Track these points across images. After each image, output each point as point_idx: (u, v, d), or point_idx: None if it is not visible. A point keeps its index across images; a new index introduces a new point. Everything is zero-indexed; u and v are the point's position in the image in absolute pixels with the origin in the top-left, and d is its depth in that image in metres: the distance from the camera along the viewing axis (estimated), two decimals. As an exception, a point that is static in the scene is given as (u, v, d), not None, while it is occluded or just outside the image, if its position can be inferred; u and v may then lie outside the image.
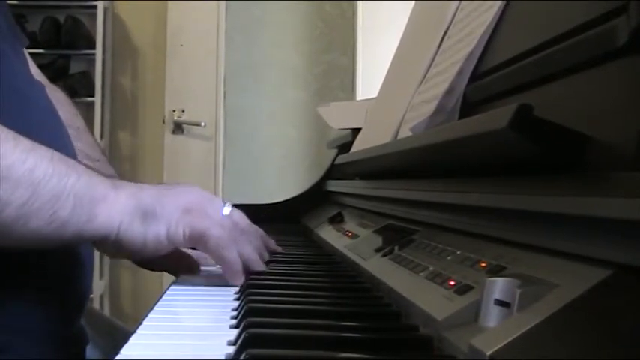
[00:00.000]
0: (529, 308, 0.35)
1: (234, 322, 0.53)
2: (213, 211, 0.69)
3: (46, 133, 0.59)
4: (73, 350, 0.74)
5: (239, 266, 0.68)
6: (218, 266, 0.71)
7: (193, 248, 0.72)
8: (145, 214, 0.63)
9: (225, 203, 0.72)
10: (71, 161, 0.61)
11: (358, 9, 2.84)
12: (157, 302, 0.62)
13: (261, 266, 0.72)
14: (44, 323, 0.66)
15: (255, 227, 0.79)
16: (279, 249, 0.85)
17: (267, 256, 0.78)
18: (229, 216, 0.72)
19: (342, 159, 1.14)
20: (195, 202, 0.68)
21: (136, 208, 0.63)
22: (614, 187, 0.34)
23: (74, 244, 0.68)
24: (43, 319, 0.66)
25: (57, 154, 0.59)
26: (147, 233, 0.63)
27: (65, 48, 2.86)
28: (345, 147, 1.29)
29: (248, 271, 0.70)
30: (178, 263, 0.77)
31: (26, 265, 0.65)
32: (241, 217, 0.75)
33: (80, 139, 0.90)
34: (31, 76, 0.76)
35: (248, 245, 0.72)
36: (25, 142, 0.57)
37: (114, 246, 0.63)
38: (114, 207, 0.62)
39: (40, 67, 0.94)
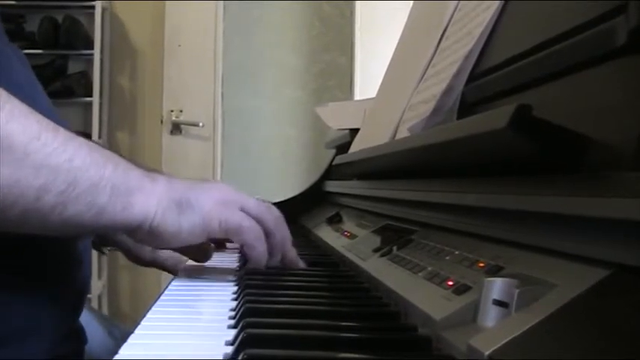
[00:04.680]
0: (527, 308, 0.35)
1: (232, 322, 0.53)
2: (245, 202, 0.71)
3: None
4: (71, 348, 0.74)
5: (265, 258, 0.71)
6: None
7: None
8: (179, 204, 0.65)
9: (254, 197, 0.73)
10: (107, 152, 0.62)
11: (356, 9, 2.84)
12: (155, 302, 0.62)
13: (295, 257, 0.75)
14: (42, 320, 0.66)
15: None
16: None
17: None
18: (262, 204, 0.73)
19: (341, 159, 1.14)
20: (226, 195, 0.70)
21: (172, 198, 0.65)
22: (613, 187, 0.34)
23: (109, 232, 0.69)
24: (41, 316, 0.66)
25: (93, 145, 0.60)
26: (182, 223, 0.65)
27: (63, 48, 2.86)
28: (343, 147, 1.29)
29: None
30: (197, 250, 0.79)
31: (24, 261, 0.65)
32: (273, 207, 0.76)
33: None
34: (32, 75, 0.76)
35: (286, 228, 0.74)
36: (64, 132, 0.58)
37: (148, 235, 0.64)
38: (150, 196, 0.63)
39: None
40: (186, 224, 0.65)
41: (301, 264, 0.76)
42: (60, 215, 0.56)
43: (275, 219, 0.73)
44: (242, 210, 0.69)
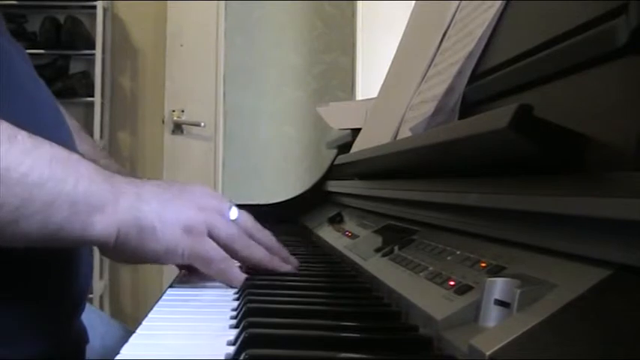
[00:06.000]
0: (529, 308, 0.35)
1: (233, 322, 0.53)
2: (214, 223, 0.68)
3: (53, 131, 0.59)
4: (72, 347, 0.74)
5: (239, 280, 0.69)
6: None
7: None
8: (141, 230, 0.62)
9: (231, 205, 0.71)
10: (72, 162, 0.59)
11: (358, 9, 2.84)
12: (156, 302, 0.62)
13: (278, 265, 0.73)
14: (42, 318, 0.66)
15: (266, 231, 0.76)
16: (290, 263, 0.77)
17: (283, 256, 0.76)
18: (237, 221, 0.71)
19: (342, 159, 1.14)
20: (198, 217, 0.67)
21: (135, 220, 0.62)
22: (613, 187, 0.34)
23: (71, 247, 0.68)
24: (42, 314, 0.66)
25: (58, 155, 0.57)
26: (144, 249, 0.63)
27: (65, 48, 2.86)
28: (344, 147, 1.29)
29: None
30: None
31: (25, 261, 0.65)
32: (250, 220, 0.74)
33: (81, 141, 0.89)
34: (35, 74, 0.76)
35: (259, 249, 0.72)
36: (24, 143, 0.55)
37: (114, 253, 0.63)
38: (111, 218, 0.60)
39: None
40: (149, 251, 0.63)
41: (288, 267, 0.74)
42: (15, 229, 0.54)
43: (246, 240, 0.71)
44: (210, 236, 0.67)
